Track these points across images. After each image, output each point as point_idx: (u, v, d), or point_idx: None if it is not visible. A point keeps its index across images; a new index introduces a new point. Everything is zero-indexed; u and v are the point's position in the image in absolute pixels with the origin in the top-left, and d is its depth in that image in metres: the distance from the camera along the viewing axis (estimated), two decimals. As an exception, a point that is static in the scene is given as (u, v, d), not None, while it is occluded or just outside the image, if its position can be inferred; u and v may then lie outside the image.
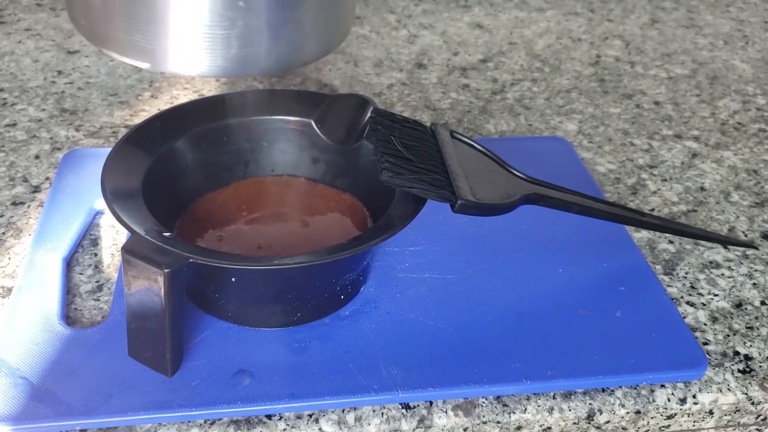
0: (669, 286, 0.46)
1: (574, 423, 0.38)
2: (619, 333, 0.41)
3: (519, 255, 0.46)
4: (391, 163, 0.37)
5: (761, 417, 0.41)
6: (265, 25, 0.55)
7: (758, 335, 0.43)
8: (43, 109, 0.61)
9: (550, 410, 0.38)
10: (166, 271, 0.33)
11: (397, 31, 0.79)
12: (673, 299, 0.45)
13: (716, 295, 0.45)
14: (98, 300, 0.42)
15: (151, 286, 0.33)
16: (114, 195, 0.37)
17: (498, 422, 0.37)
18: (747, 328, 0.43)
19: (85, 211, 0.47)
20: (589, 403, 0.38)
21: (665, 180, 0.56)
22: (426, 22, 0.81)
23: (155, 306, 0.34)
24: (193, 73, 0.53)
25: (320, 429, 0.36)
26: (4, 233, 0.47)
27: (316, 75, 0.69)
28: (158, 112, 0.45)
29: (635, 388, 0.39)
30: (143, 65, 0.54)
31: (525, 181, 0.41)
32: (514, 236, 0.47)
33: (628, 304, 0.43)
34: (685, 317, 0.44)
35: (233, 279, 0.37)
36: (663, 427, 0.40)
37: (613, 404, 0.38)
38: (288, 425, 0.36)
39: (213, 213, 0.45)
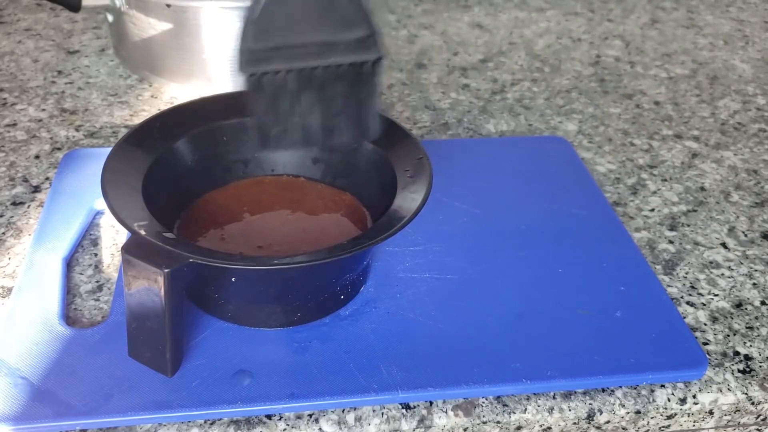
0: (669, 286, 0.46)
1: (574, 423, 0.38)
2: (619, 333, 0.41)
3: (519, 255, 0.46)
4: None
5: (761, 417, 0.41)
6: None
7: (758, 335, 0.43)
8: (43, 109, 0.61)
9: (550, 410, 0.38)
10: (166, 271, 0.33)
11: (397, 31, 0.79)
12: (673, 299, 0.45)
13: (716, 295, 0.45)
14: (98, 300, 0.42)
15: (151, 286, 0.33)
16: (114, 195, 0.37)
17: (498, 422, 0.37)
18: (747, 328, 0.43)
19: (85, 211, 0.47)
20: (589, 403, 0.38)
21: (665, 180, 0.56)
22: (426, 22, 0.81)
23: (155, 306, 0.34)
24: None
25: (320, 429, 0.36)
26: (4, 233, 0.47)
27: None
28: (158, 112, 0.45)
29: (635, 388, 0.39)
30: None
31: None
32: (514, 236, 0.47)
33: (628, 304, 0.43)
34: (685, 317, 0.44)
35: (233, 279, 0.37)
36: (663, 427, 0.40)
37: (613, 404, 0.38)
38: (288, 425, 0.36)
39: (213, 213, 0.45)
